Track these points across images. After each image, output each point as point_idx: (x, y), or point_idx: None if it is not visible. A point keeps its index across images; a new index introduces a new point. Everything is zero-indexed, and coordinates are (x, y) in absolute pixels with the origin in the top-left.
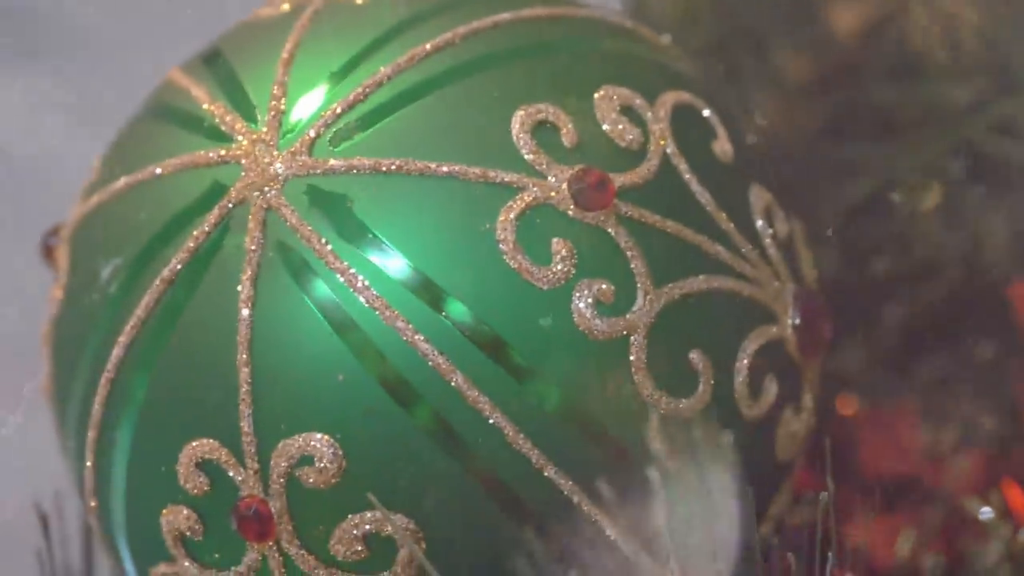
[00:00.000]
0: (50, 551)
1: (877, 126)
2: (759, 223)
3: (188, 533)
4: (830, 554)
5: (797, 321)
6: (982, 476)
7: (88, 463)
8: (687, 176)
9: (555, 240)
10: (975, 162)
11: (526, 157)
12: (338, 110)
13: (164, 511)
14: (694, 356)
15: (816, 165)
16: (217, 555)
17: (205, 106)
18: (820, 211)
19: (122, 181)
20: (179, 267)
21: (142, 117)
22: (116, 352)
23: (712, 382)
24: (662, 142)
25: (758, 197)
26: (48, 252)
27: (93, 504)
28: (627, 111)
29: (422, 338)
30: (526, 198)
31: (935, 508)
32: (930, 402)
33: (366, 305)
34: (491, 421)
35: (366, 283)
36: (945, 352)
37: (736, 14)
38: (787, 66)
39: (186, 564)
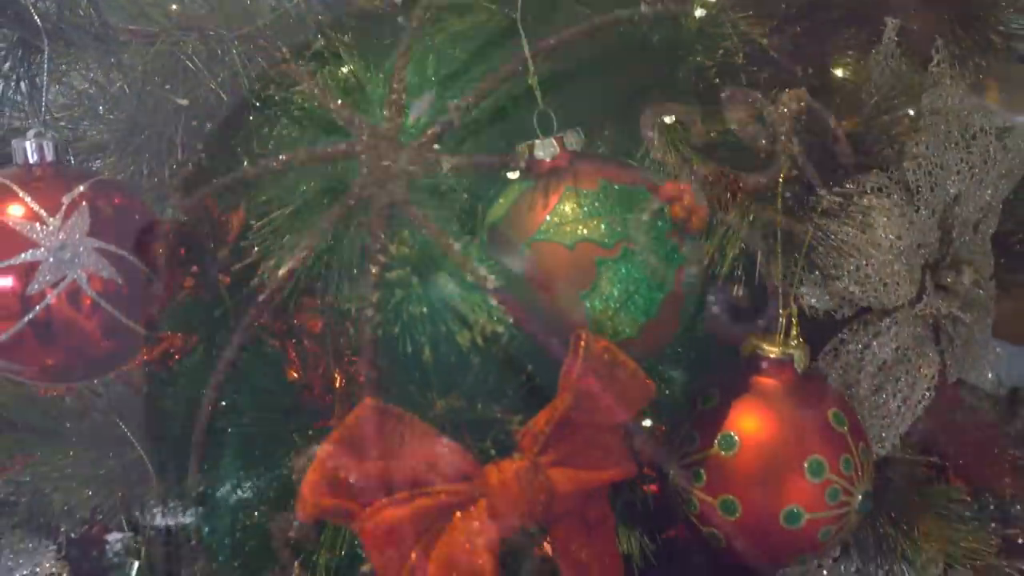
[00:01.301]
0: (138, 550)
1: None
2: None
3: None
4: None
5: None
6: None
7: (193, 462)
8: (812, 178)
9: (687, 241)
10: None
11: (655, 155)
12: (462, 105)
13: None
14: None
15: None
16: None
17: (320, 100)
18: None
19: (231, 176)
20: (298, 266)
21: (247, 110)
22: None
23: None
24: (788, 143)
25: None
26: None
27: (196, 508)
28: (752, 111)
29: (555, 340)
30: (657, 198)
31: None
32: None
33: (496, 304)
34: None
35: (495, 281)
36: None
37: None
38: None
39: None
